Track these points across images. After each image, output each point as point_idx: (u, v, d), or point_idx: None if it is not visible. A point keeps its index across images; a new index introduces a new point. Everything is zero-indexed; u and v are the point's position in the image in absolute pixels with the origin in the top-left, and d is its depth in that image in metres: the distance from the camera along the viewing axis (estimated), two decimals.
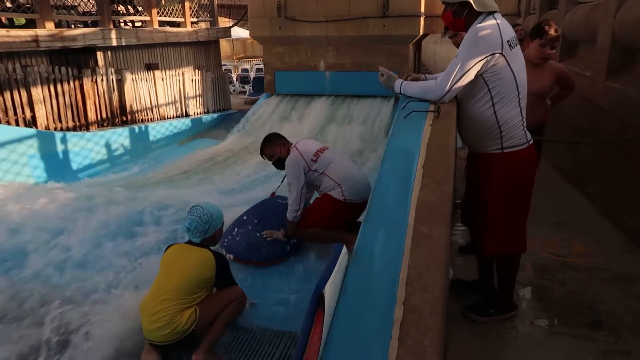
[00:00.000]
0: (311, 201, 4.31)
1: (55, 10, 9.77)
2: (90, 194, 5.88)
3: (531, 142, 2.44)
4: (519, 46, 2.33)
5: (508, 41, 2.24)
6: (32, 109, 7.78)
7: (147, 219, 5.00)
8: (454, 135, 2.06)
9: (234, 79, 18.43)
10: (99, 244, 4.43)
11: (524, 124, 2.40)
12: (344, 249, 1.35)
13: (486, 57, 2.20)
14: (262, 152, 4.22)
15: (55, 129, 8.15)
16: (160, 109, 10.46)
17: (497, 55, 2.21)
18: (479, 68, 2.23)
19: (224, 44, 25.24)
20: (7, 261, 4.19)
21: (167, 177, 8.10)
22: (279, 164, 4.13)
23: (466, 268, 3.17)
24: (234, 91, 17.19)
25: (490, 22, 2.25)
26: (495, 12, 2.31)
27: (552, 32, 3.44)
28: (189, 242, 3.08)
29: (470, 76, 2.24)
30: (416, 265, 1.29)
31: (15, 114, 7.53)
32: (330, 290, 1.19)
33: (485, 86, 2.28)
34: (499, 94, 2.28)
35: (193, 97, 11.35)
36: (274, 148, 4.14)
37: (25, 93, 7.64)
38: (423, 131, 1.99)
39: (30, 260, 4.18)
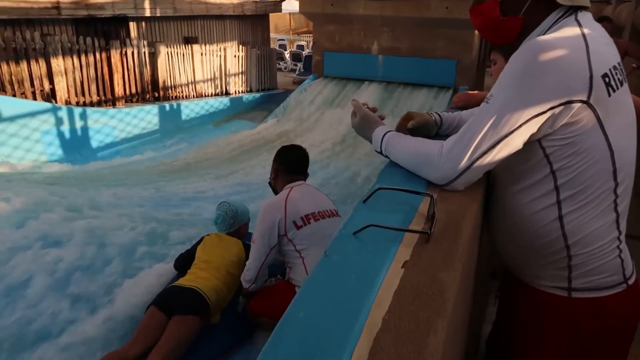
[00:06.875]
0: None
1: None
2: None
3: (631, 283, 1.24)
4: (626, 84, 1.14)
5: (604, 75, 1.07)
6: (51, 81, 7.24)
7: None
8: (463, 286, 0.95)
9: (287, 55, 17.39)
10: None
11: (622, 246, 1.20)
12: None
13: (553, 108, 1.04)
14: None
15: (78, 103, 7.62)
16: (197, 86, 9.76)
17: (576, 105, 1.04)
18: (536, 130, 1.07)
19: (284, 16, 24.26)
20: None
21: (188, 163, 7.41)
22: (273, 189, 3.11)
23: None
24: (285, 68, 16.27)
25: (572, 31, 1.09)
26: (582, 8, 1.15)
27: None
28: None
29: (514, 144, 1.07)
30: None
31: (32, 86, 7.01)
32: None
33: (546, 165, 1.12)
34: (573, 182, 1.10)
35: (235, 75, 10.59)
36: (272, 166, 3.02)
37: (44, 64, 7.10)
38: (383, 280, 0.88)
39: None
